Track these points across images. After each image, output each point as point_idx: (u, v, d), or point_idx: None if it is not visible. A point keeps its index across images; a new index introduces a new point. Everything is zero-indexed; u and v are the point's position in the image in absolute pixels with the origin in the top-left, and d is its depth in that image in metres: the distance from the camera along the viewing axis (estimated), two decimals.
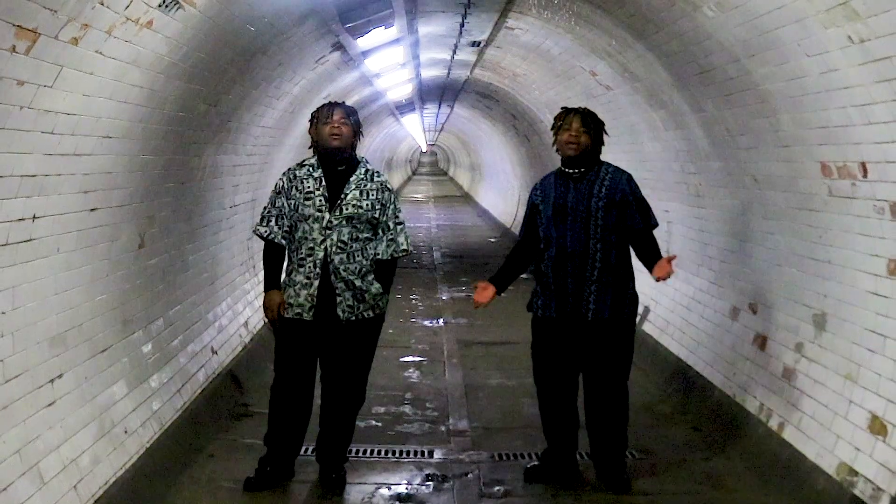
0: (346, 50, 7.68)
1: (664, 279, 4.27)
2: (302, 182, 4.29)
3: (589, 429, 4.49)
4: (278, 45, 5.98)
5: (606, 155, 4.54)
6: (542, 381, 4.50)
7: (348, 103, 4.54)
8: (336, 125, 4.25)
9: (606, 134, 4.47)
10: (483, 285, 4.52)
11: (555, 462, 4.50)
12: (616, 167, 4.46)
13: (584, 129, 4.35)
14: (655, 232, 4.46)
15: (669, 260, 4.27)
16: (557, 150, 4.46)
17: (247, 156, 6.91)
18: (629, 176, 4.44)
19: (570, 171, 4.39)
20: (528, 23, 7.85)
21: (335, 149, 4.28)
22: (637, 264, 4.45)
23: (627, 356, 4.43)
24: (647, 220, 4.39)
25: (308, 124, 4.42)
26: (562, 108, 4.52)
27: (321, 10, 6.06)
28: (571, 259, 4.31)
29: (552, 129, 4.52)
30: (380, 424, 5.43)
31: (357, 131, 4.36)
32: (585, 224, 4.29)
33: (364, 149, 17.16)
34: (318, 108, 4.36)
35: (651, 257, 4.36)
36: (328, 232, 4.23)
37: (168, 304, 5.13)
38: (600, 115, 4.54)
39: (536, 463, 4.58)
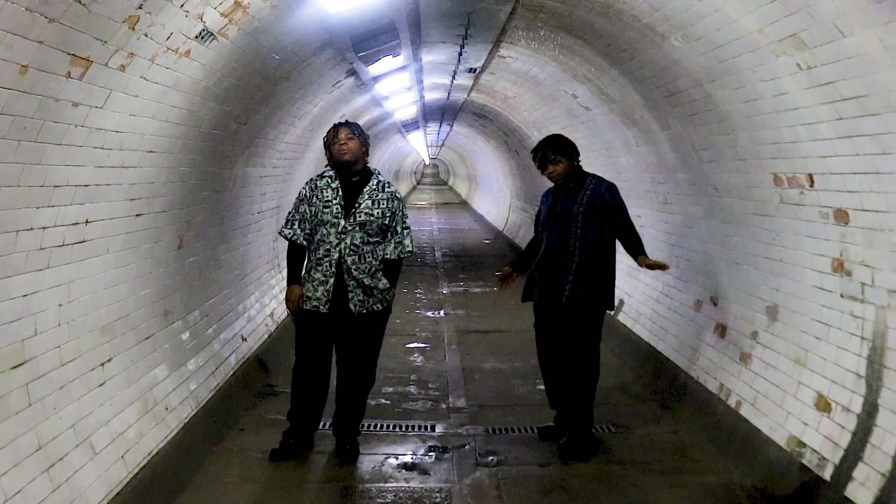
0: (359, 75, 7.68)
1: (651, 268, 4.39)
2: (322, 191, 4.29)
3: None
4: (300, 72, 5.98)
5: (587, 167, 4.55)
6: (540, 353, 4.67)
7: (360, 123, 4.55)
8: (343, 142, 4.25)
9: (576, 150, 4.57)
10: (506, 270, 4.81)
11: (563, 424, 4.59)
12: (600, 178, 4.56)
13: (554, 160, 4.48)
14: None
15: (661, 266, 4.39)
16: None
17: (272, 168, 6.91)
18: (609, 185, 4.51)
19: (564, 184, 4.55)
20: (518, 52, 7.85)
21: (347, 162, 4.27)
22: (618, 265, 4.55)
23: (594, 337, 4.48)
24: (626, 217, 4.49)
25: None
26: (534, 149, 4.63)
27: (337, 40, 6.06)
28: (555, 255, 4.45)
29: (536, 165, 4.65)
30: (388, 402, 5.43)
31: (364, 143, 4.35)
32: (567, 226, 4.42)
33: (375, 162, 17.13)
34: (327, 131, 4.36)
35: (634, 246, 4.47)
36: (343, 236, 4.23)
37: (204, 297, 5.13)
38: (581, 134, 4.63)
39: (551, 424, 4.71)
